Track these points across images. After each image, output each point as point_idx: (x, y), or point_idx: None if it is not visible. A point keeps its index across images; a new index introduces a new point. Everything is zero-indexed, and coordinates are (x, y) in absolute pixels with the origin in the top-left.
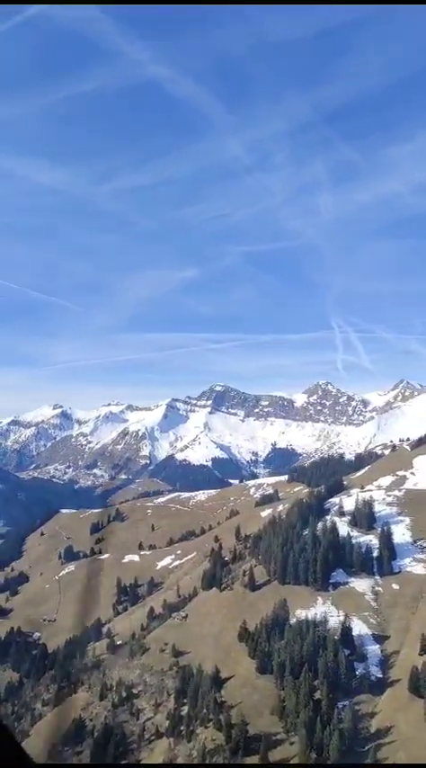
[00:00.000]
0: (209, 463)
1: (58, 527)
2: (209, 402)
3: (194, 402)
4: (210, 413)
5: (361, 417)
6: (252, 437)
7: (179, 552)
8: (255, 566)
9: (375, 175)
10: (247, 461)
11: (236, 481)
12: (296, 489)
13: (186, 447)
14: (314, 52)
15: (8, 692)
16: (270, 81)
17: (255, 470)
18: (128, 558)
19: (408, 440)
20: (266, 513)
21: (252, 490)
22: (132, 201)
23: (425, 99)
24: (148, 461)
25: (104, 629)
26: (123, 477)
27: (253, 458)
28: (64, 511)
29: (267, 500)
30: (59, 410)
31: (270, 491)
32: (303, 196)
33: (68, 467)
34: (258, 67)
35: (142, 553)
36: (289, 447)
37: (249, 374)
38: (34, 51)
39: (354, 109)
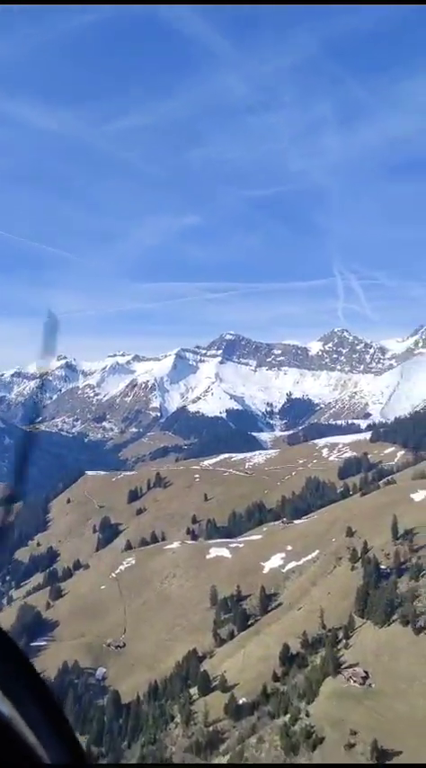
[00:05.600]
0: (224, 415)
1: (86, 492)
2: (220, 351)
3: (204, 352)
4: (221, 362)
5: (380, 365)
6: (265, 387)
7: (289, 549)
8: None
9: (384, 114)
10: (262, 413)
11: (256, 434)
12: (387, 451)
13: (198, 398)
14: None
15: None
16: (277, 12)
17: (271, 422)
18: (213, 552)
19: None
20: (421, 495)
21: (325, 451)
22: (132, 144)
23: None
24: (159, 414)
25: (206, 666)
26: (134, 430)
27: (269, 409)
28: (90, 473)
29: (354, 465)
30: (64, 361)
31: (349, 453)
32: (308, 137)
33: (76, 420)
34: None
35: (233, 545)
36: (305, 397)
37: (255, 323)
38: None
39: (363, 41)
